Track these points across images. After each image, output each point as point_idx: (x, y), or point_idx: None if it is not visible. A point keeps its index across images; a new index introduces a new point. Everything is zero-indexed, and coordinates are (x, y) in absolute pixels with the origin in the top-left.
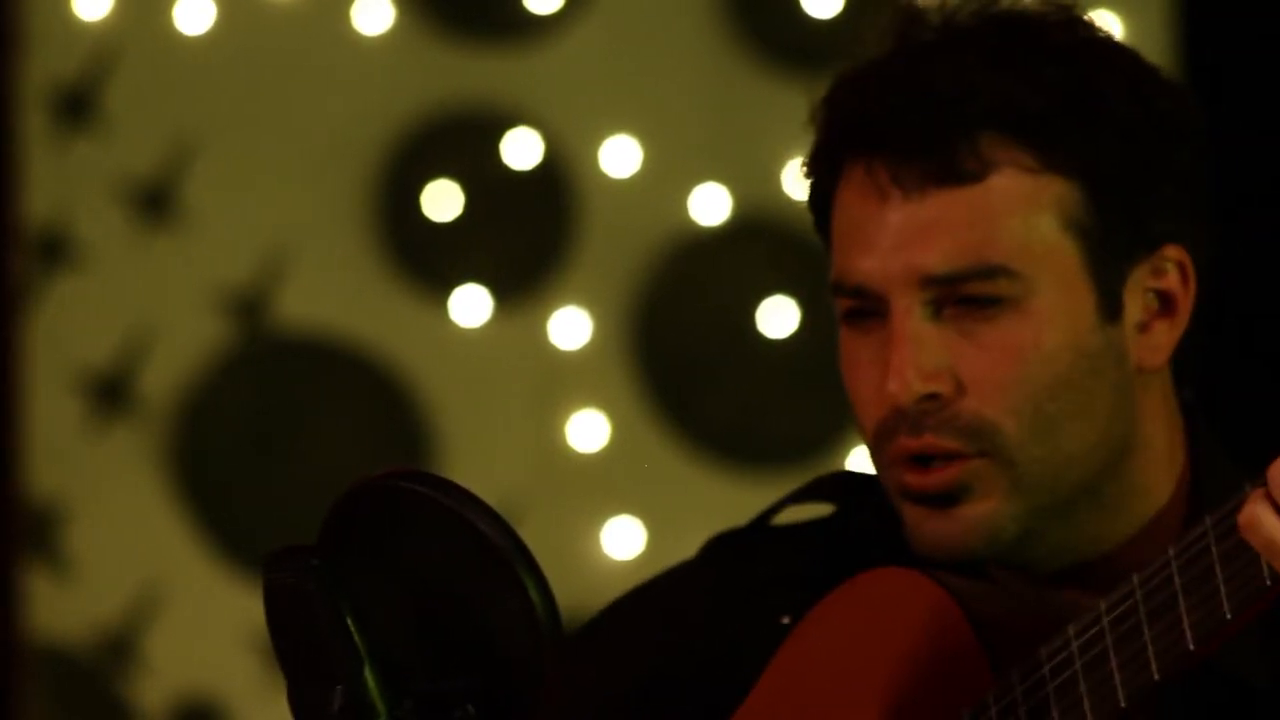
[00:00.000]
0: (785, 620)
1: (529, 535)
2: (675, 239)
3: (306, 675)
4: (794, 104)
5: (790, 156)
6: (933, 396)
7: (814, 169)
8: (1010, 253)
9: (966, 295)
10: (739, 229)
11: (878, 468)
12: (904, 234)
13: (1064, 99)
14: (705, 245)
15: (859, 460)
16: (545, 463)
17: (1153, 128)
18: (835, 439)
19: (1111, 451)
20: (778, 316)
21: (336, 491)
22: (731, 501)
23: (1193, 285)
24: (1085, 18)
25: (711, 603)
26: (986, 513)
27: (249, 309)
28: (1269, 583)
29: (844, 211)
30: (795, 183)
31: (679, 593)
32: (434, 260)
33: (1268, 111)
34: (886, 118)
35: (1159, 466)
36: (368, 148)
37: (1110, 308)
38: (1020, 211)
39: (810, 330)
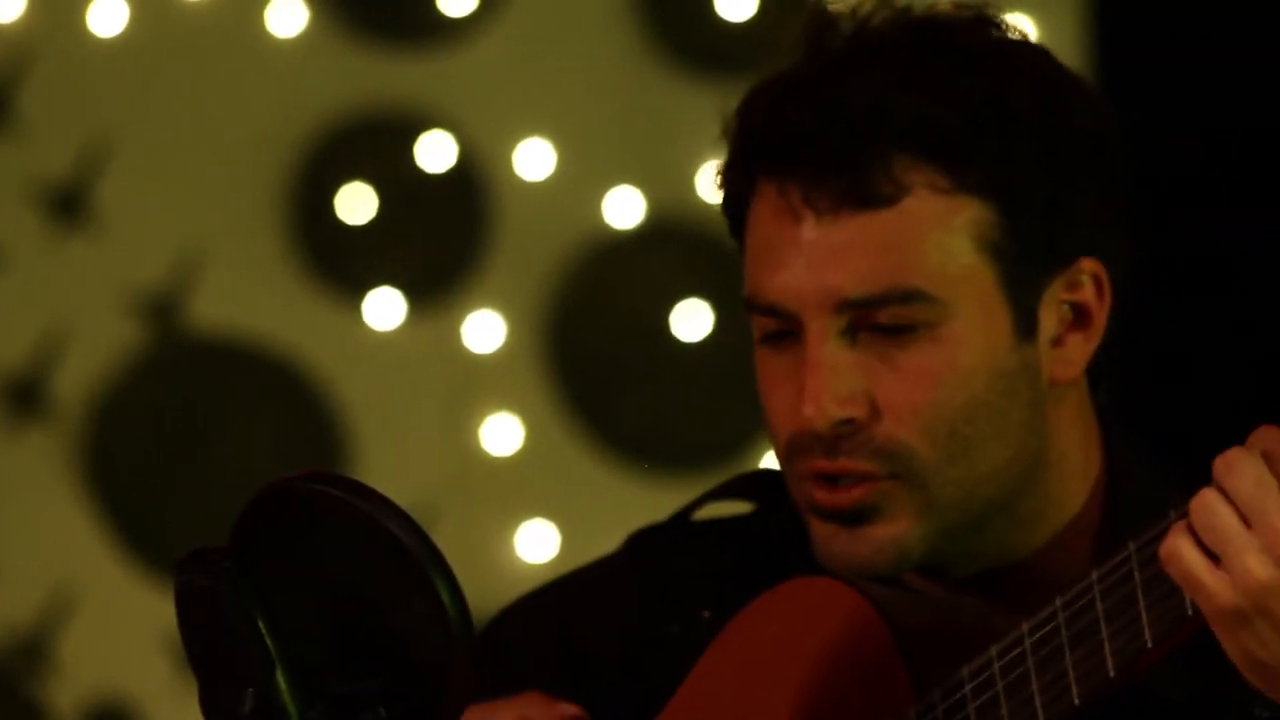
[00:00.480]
0: (706, 614)
1: (442, 538)
2: (589, 242)
3: (218, 677)
4: (708, 107)
5: (704, 159)
6: (848, 421)
7: (727, 181)
8: (925, 276)
9: (882, 320)
10: (653, 232)
11: (788, 479)
12: (818, 255)
13: (978, 117)
14: (619, 248)
15: (771, 463)
16: (459, 466)
17: (1068, 141)
18: (749, 442)
19: (1025, 468)
20: (691, 320)
21: (249, 494)
22: (645, 504)
23: (1108, 297)
24: (1000, 22)
25: (632, 597)
26: (895, 534)
27: (163, 311)
28: (1190, 613)
29: (758, 227)
30: (709, 186)
31: (600, 586)
32: (348, 263)
33: (1182, 111)
34: (799, 140)
35: (1074, 477)
36: (282, 150)
37: (1026, 326)
38: (935, 234)
39: (724, 333)
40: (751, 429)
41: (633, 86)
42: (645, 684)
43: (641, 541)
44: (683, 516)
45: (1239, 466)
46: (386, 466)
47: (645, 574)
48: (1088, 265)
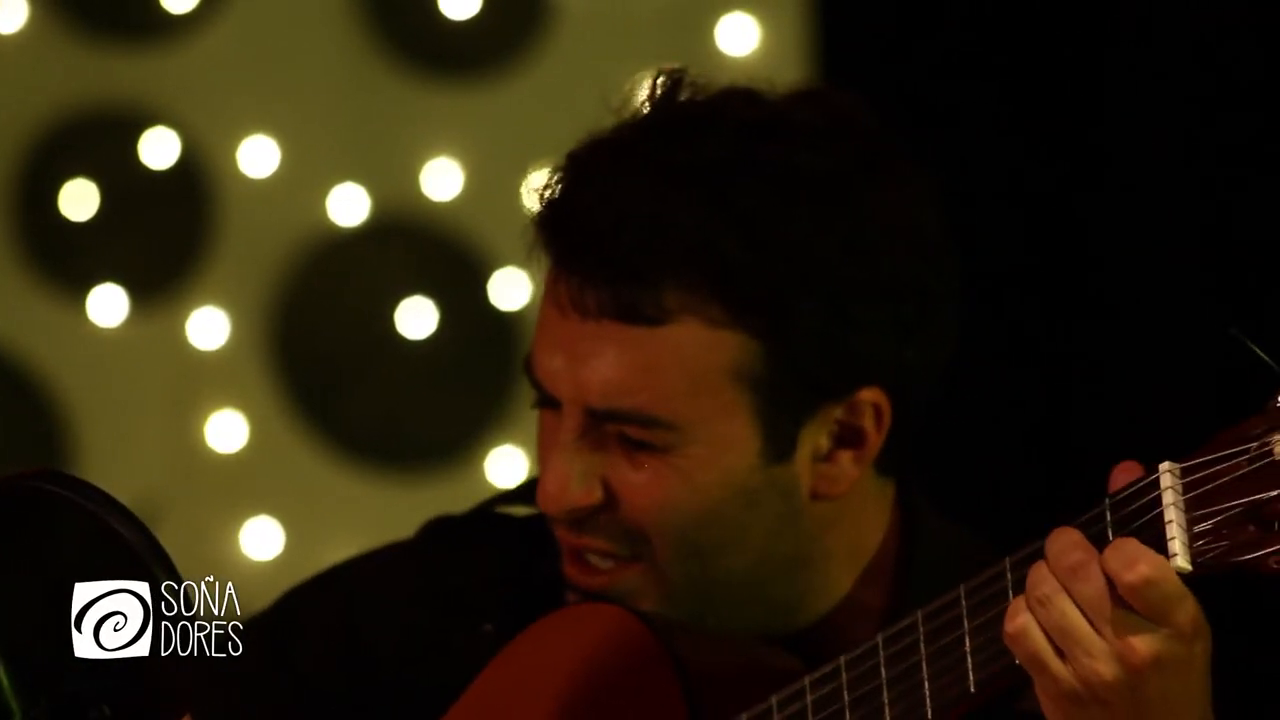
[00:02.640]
0: (488, 628)
1: (167, 536)
2: (314, 239)
3: None
4: (432, 104)
5: (429, 157)
6: (583, 508)
7: (534, 235)
8: (671, 407)
9: (626, 432)
10: (377, 229)
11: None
12: (576, 354)
13: (770, 254)
14: (344, 245)
15: (496, 461)
16: (183, 463)
17: (865, 284)
18: (474, 439)
19: (775, 570)
20: (416, 317)
21: None
22: (371, 501)
23: (887, 423)
24: (839, 123)
25: (420, 597)
26: (645, 610)
27: None
28: (973, 690)
29: (543, 297)
30: (433, 183)
31: (390, 580)
32: (71, 259)
33: (905, 110)
34: (578, 242)
35: (844, 568)
36: (3, 146)
37: (777, 450)
38: (692, 364)
39: (449, 331)
40: (477, 426)
41: (357, 84)
42: (423, 692)
43: (435, 534)
44: (479, 512)
45: (1086, 573)
46: (110, 463)
47: (435, 574)
48: (868, 396)
